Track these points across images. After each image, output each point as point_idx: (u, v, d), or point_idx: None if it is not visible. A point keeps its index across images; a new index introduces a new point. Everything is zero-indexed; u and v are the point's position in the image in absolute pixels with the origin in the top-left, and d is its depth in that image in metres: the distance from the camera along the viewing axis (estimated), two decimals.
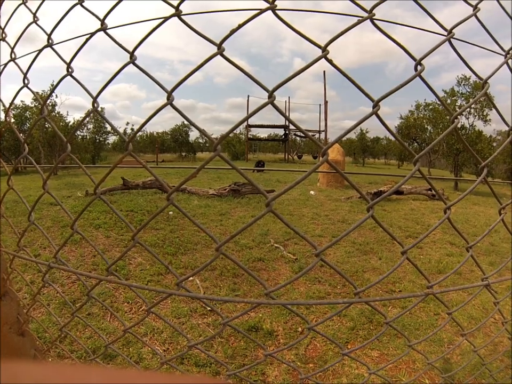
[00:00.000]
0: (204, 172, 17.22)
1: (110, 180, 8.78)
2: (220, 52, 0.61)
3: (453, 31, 0.78)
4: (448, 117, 16.74)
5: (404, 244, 0.69)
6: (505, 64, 0.84)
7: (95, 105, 0.79)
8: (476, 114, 17.60)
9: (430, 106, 19.59)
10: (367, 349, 2.85)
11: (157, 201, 7.82)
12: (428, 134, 19.40)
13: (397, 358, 0.97)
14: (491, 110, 17.28)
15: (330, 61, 0.60)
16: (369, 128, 39.63)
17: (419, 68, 0.69)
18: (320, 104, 33.05)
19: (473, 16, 0.79)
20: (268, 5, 0.62)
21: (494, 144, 18.01)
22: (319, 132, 33.34)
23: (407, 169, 31.26)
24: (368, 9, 0.67)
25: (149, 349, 2.67)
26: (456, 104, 16.66)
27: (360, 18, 0.66)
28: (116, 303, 3.40)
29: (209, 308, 3.28)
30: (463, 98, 17.30)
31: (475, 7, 0.82)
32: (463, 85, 16.89)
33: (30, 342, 1.20)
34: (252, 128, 36.20)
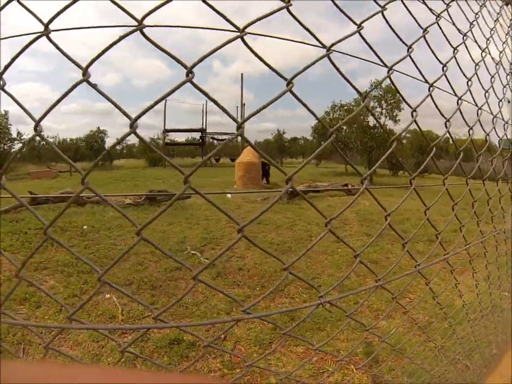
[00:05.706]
0: (120, 180, 16.45)
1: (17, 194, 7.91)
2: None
3: (332, 48, 0.82)
4: (361, 117, 18.13)
5: (284, 261, 0.71)
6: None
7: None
8: (386, 114, 19.36)
9: (345, 107, 20.78)
10: (292, 346, 2.90)
11: (72, 215, 7.10)
12: (343, 134, 20.49)
13: (301, 364, 1.00)
14: (400, 111, 19.09)
15: (196, 86, 0.59)
16: (286, 129, 40.91)
17: (290, 85, 0.73)
18: (237, 107, 32.36)
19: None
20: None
21: (404, 141, 19.86)
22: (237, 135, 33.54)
23: (325, 167, 32.83)
24: (241, 27, 0.69)
25: None
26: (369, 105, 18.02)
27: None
28: (29, 335, 3.02)
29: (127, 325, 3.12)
30: (375, 100, 18.91)
31: (359, 25, 0.87)
32: (376, 88, 18.23)
33: None
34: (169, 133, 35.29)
